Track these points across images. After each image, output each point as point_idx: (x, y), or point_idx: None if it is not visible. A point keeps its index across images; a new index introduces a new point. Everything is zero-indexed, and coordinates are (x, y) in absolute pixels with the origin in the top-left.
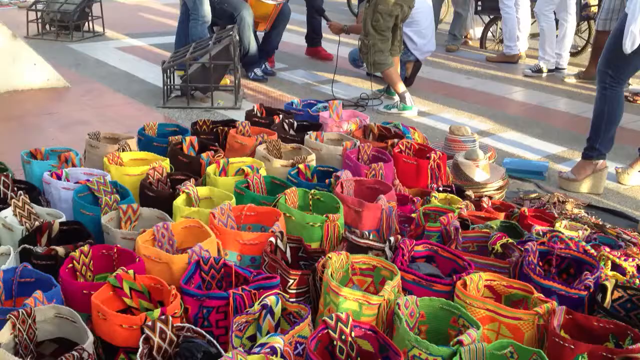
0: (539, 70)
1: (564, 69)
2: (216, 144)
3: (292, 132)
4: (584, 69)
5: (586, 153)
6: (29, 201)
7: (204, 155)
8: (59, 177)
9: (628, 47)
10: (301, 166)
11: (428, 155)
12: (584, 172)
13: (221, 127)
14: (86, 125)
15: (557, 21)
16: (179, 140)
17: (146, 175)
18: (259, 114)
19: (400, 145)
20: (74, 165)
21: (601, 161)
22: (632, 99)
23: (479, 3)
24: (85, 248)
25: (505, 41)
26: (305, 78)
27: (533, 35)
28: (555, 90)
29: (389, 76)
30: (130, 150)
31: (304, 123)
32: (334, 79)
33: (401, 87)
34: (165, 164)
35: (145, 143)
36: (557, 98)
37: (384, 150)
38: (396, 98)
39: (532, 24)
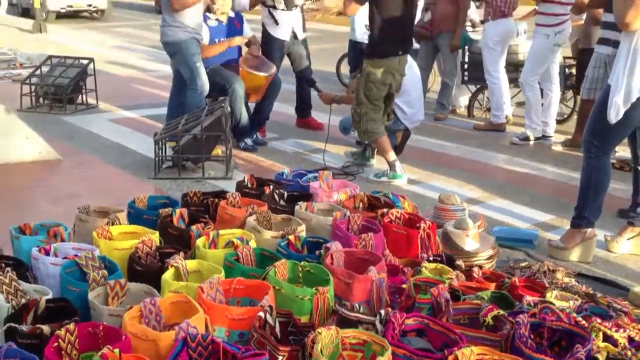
0: (526, 139)
1: (550, 136)
2: (206, 215)
3: (282, 202)
4: (570, 137)
5: (575, 222)
6: (16, 278)
7: (193, 227)
8: (47, 253)
9: (612, 117)
10: (291, 237)
11: (418, 224)
12: (573, 241)
13: (211, 199)
14: (77, 198)
15: (542, 90)
16: (169, 212)
17: (135, 249)
18: (249, 185)
19: (390, 215)
20: (62, 240)
21: (590, 229)
22: (619, 166)
23: (466, 73)
24: (71, 326)
25: (492, 110)
26: (296, 147)
27: (519, 104)
28: (542, 158)
29: (380, 144)
30: (120, 224)
31: (295, 193)
32: (325, 148)
33: (391, 155)
34: (154, 237)
35: (135, 216)
36: (545, 166)
37: (373, 220)
38: (385, 167)
39: (517, 93)
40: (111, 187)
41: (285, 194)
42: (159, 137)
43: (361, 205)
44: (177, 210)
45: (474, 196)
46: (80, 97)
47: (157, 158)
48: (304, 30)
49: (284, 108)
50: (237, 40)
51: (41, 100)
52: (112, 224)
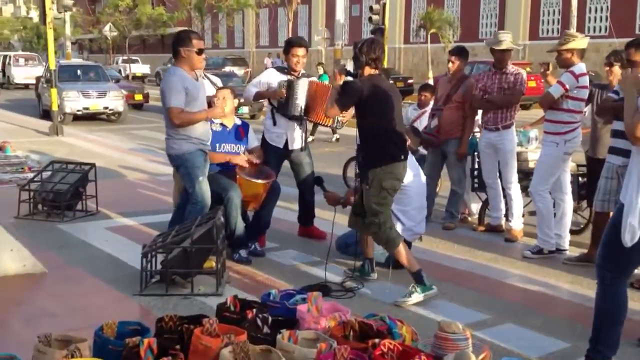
0: (540, 252)
1: (565, 250)
2: (177, 346)
3: (266, 328)
4: (586, 250)
5: (590, 356)
6: None
7: None
8: None
9: (627, 240)
10: None
11: None
12: None
13: (186, 325)
14: (53, 318)
15: (554, 200)
16: (136, 343)
17: None
18: (232, 308)
19: (382, 347)
20: None
21: None
22: (638, 286)
23: (475, 180)
24: None
25: (491, 212)
26: (295, 260)
27: (531, 213)
28: (556, 275)
29: (402, 253)
30: (80, 357)
31: (279, 318)
32: (327, 260)
33: (415, 264)
34: None
35: (100, 346)
36: (559, 284)
37: (363, 355)
38: (373, 276)
39: (529, 202)
40: (92, 306)
41: (270, 319)
42: (147, 250)
43: (352, 333)
44: (145, 341)
45: (482, 319)
46: (80, 203)
47: (143, 273)
48: (304, 141)
49: (286, 215)
50: (240, 159)
51: (39, 206)
52: (72, 357)
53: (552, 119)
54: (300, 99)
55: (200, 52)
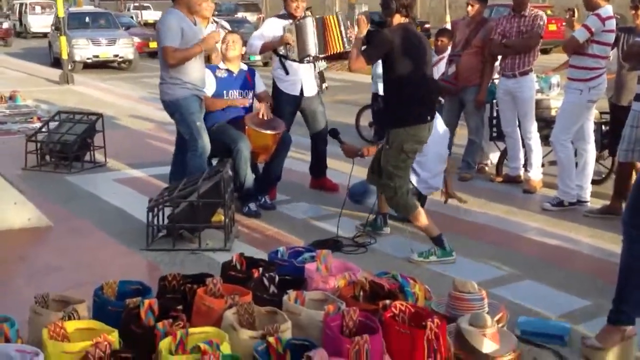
0: (560, 204)
1: (586, 201)
2: (180, 307)
3: (272, 288)
4: (608, 202)
5: (612, 317)
6: None
7: (160, 325)
8: None
9: None
10: (271, 340)
11: (425, 322)
12: (610, 340)
13: (189, 285)
14: (57, 273)
15: (575, 150)
16: (137, 303)
17: (85, 353)
18: (237, 266)
19: (393, 309)
20: (7, 340)
21: (630, 327)
22: None
23: (494, 129)
24: None
25: (509, 162)
26: (307, 213)
27: (551, 163)
28: (577, 228)
29: (420, 219)
30: (79, 318)
31: (287, 277)
32: (342, 213)
33: (435, 229)
34: (113, 336)
35: (99, 306)
36: (580, 238)
37: (372, 317)
38: (386, 230)
39: (549, 152)
40: (98, 260)
41: (277, 278)
42: (153, 204)
43: (362, 293)
44: (146, 302)
45: (499, 275)
46: (88, 154)
47: (150, 227)
48: (321, 87)
49: (298, 166)
50: (240, 102)
51: (47, 158)
52: (69, 318)
53: (576, 65)
54: (311, 39)
55: None
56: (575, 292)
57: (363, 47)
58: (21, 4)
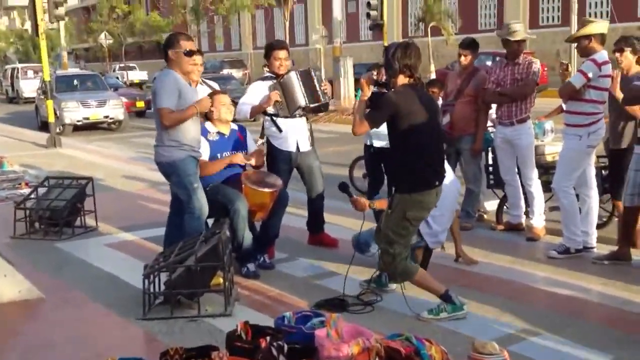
0: (566, 251)
1: (593, 248)
2: None
3: (282, 358)
4: (614, 247)
5: None
6: None
7: None
8: None
9: None
10: None
11: None
12: None
13: (193, 359)
14: (51, 349)
15: (577, 196)
16: None
17: None
18: (243, 336)
19: None
20: None
21: None
22: None
23: (491, 177)
24: None
25: (510, 210)
26: (308, 271)
27: (552, 209)
28: (586, 276)
29: (421, 282)
30: None
31: (296, 346)
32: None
33: (440, 286)
34: None
35: None
36: (590, 286)
37: None
38: (392, 286)
39: (550, 197)
40: (92, 333)
41: (286, 347)
42: (149, 271)
43: (377, 359)
44: None
45: (513, 331)
46: (78, 219)
47: (146, 295)
48: (312, 140)
49: (295, 221)
50: (239, 158)
51: (36, 225)
52: None
53: (573, 110)
54: (299, 91)
55: (189, 53)
56: (595, 345)
57: (367, 110)
58: (13, 69)
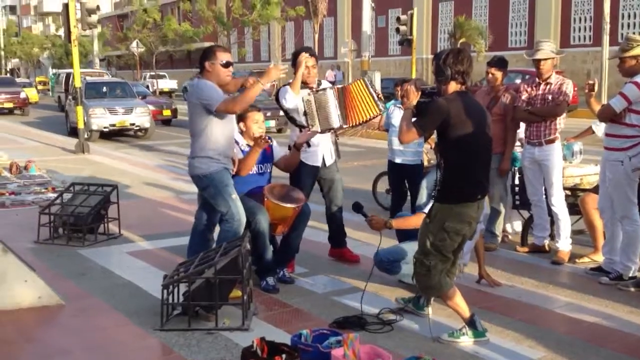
0: (618, 278)
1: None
2: None
3: None
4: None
5: None
6: None
7: None
8: None
9: None
10: None
11: None
12: None
13: None
14: (68, 356)
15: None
16: None
17: None
18: (259, 352)
19: None
20: None
21: None
22: None
23: (517, 197)
24: None
25: (536, 231)
26: (327, 286)
27: (576, 233)
28: (612, 304)
29: (452, 299)
30: None
31: None
32: (366, 288)
33: (467, 310)
34: None
35: None
36: (617, 314)
37: None
38: (427, 311)
39: (577, 220)
40: (110, 342)
41: None
42: (168, 281)
43: None
44: None
45: (534, 357)
46: (101, 226)
47: (165, 306)
48: (338, 154)
49: (316, 235)
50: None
51: (60, 230)
52: None
53: (612, 133)
54: (334, 111)
55: (226, 65)
56: None
57: (413, 119)
58: (68, 74)
